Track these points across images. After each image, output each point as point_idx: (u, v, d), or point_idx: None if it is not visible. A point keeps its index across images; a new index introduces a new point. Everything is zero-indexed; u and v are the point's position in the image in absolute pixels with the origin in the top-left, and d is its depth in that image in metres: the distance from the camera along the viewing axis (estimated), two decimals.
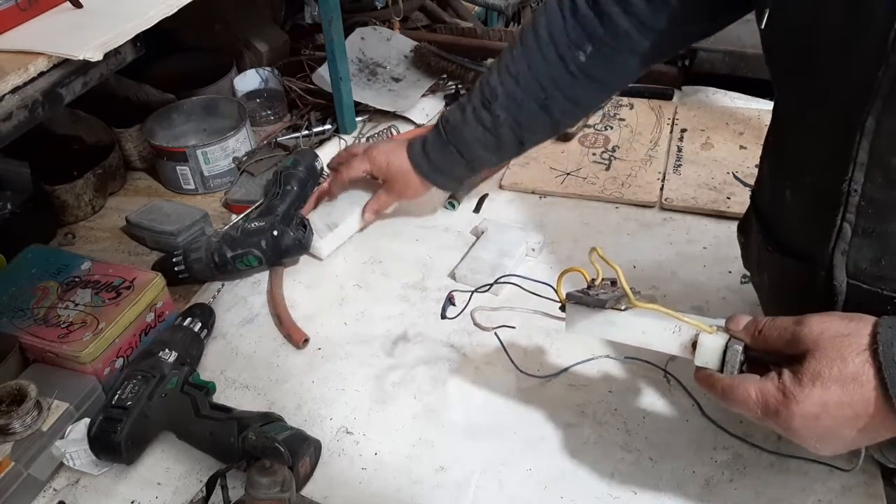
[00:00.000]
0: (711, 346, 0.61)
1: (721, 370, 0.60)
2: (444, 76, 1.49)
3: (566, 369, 0.90)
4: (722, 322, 0.62)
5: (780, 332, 0.57)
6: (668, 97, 1.42)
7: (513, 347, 0.91)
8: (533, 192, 1.21)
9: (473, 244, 1.09)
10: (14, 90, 0.74)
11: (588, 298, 0.66)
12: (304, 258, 1.10)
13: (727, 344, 0.60)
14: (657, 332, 0.64)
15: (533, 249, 1.07)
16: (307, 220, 1.09)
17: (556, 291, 0.70)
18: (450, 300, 0.79)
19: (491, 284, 0.81)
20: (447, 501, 0.77)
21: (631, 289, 0.63)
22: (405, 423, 0.86)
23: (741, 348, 0.60)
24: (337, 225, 1.11)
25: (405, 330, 0.98)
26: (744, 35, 1.37)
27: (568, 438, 0.82)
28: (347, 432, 0.85)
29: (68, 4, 0.87)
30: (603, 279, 0.68)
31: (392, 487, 0.79)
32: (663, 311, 0.62)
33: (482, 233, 1.10)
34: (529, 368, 0.89)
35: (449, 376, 0.91)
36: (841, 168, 0.60)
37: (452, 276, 1.05)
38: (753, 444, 0.79)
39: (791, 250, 0.71)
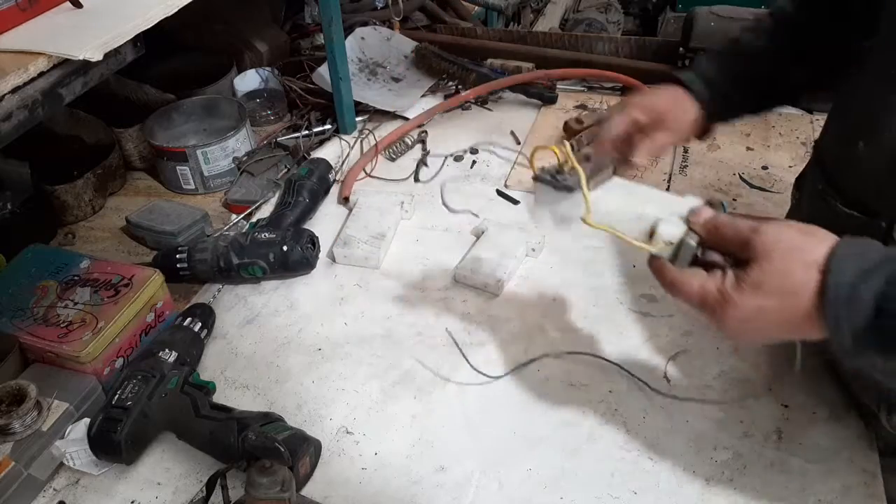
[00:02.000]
0: (667, 237, 0.63)
1: (674, 260, 0.63)
2: (444, 76, 1.49)
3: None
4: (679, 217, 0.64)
5: (736, 233, 0.59)
6: None
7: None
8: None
9: (473, 244, 1.09)
10: (14, 90, 0.74)
11: (554, 181, 0.67)
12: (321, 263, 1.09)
13: (683, 236, 0.62)
14: (621, 220, 0.65)
15: (533, 249, 1.07)
16: (316, 237, 1.09)
17: (529, 163, 0.70)
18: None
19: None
20: (447, 501, 0.77)
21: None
22: (405, 423, 0.86)
23: (695, 243, 0.61)
24: (384, 235, 1.11)
25: (405, 330, 0.98)
26: None
27: (568, 438, 0.82)
28: (347, 432, 0.85)
29: (68, 4, 0.87)
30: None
31: (392, 487, 0.79)
32: (611, 231, 0.65)
33: (482, 233, 1.10)
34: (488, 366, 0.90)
35: (449, 376, 0.91)
36: None
37: (453, 276, 1.05)
38: (753, 445, 0.79)
39: (856, 201, 0.71)
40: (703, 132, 0.82)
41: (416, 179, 1.26)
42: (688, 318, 0.94)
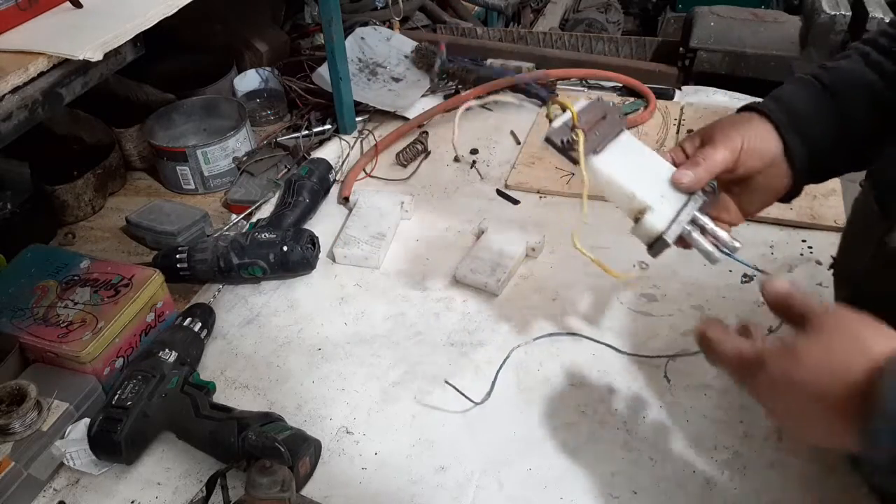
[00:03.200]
0: (648, 230, 0.68)
1: (650, 249, 0.68)
2: (444, 76, 1.49)
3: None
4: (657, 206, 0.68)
5: (803, 305, 0.55)
6: (669, 97, 1.42)
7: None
8: (538, 192, 1.21)
9: (473, 244, 1.09)
10: (14, 90, 0.74)
11: (563, 147, 0.68)
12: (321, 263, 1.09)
13: (662, 234, 0.67)
14: (614, 191, 0.70)
15: (533, 249, 1.07)
16: (316, 237, 1.09)
17: (548, 107, 0.70)
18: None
19: None
20: (447, 501, 0.77)
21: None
22: (405, 423, 0.86)
23: (671, 244, 0.67)
24: (384, 235, 1.11)
25: (405, 330, 0.98)
26: (744, 35, 1.38)
27: (568, 438, 0.82)
28: (347, 432, 0.85)
29: (68, 4, 0.87)
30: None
31: (392, 487, 0.79)
32: (595, 261, 0.71)
33: (482, 233, 1.10)
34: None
35: (449, 376, 0.91)
36: None
37: (453, 276, 1.05)
38: (753, 445, 0.79)
39: (882, 194, 0.66)
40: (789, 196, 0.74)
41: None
42: (688, 318, 0.94)
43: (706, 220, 0.71)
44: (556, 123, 0.68)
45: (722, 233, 0.71)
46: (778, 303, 0.58)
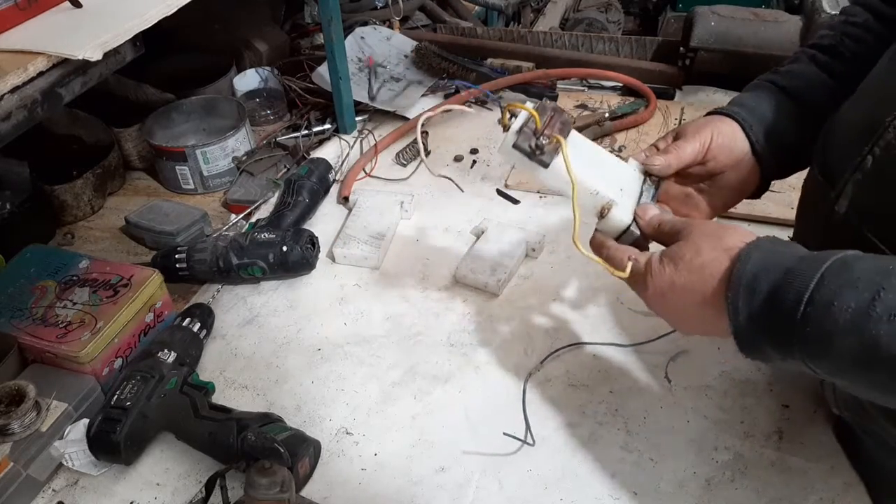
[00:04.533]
0: (615, 223, 0.70)
1: (616, 240, 0.71)
2: (444, 76, 1.49)
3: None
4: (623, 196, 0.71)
5: (672, 226, 0.66)
6: (670, 97, 1.42)
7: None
8: (538, 192, 1.20)
9: (473, 244, 1.08)
10: (13, 90, 0.74)
11: (531, 152, 0.69)
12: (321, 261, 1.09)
13: (629, 226, 0.70)
14: (578, 189, 0.69)
15: (533, 249, 1.07)
16: (316, 237, 1.09)
17: (501, 113, 0.70)
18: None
19: None
20: (447, 502, 0.77)
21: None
22: (405, 423, 0.86)
23: (639, 233, 0.70)
24: (384, 235, 1.10)
25: (405, 330, 0.98)
26: (744, 35, 1.37)
27: (568, 438, 0.82)
28: (347, 433, 0.85)
29: (68, 4, 0.87)
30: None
31: (392, 488, 0.79)
32: (596, 260, 0.70)
33: (482, 233, 1.10)
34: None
35: (449, 376, 0.91)
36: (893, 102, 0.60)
37: (453, 276, 1.05)
38: (754, 445, 0.79)
39: (825, 166, 0.70)
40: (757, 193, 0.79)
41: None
42: None
43: (657, 209, 0.74)
44: (514, 129, 0.69)
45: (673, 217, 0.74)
46: (652, 226, 0.69)
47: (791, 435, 0.80)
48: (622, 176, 0.74)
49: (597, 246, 0.70)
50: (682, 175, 0.77)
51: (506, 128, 0.70)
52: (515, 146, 0.69)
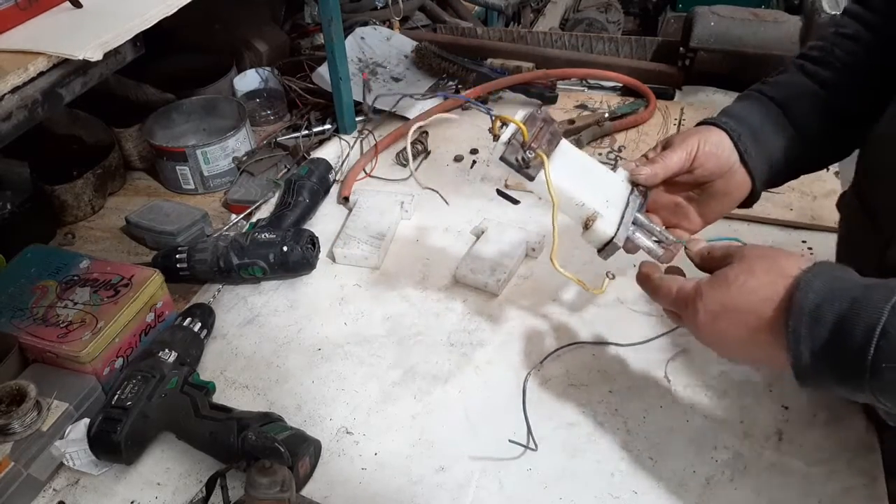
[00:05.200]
0: (599, 235, 0.72)
1: (601, 252, 0.74)
2: (445, 76, 1.49)
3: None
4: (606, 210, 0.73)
5: (724, 252, 0.65)
6: (670, 97, 1.42)
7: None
8: None
9: (473, 244, 1.08)
10: (14, 90, 0.74)
11: (519, 165, 0.71)
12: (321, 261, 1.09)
13: (612, 237, 0.72)
14: (563, 200, 0.73)
15: (533, 249, 1.07)
16: (316, 237, 1.09)
17: (492, 123, 0.71)
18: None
19: None
20: (447, 501, 0.77)
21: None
22: (405, 423, 0.86)
23: (621, 245, 0.72)
24: (384, 235, 1.11)
25: (405, 330, 0.98)
26: (744, 35, 1.37)
27: (568, 438, 0.82)
28: (347, 432, 0.85)
29: (68, 4, 0.87)
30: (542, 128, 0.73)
31: (392, 487, 0.79)
32: (574, 279, 0.75)
33: (482, 233, 1.10)
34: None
35: (449, 376, 0.91)
36: None
37: (453, 276, 1.05)
38: (754, 445, 0.79)
39: (869, 205, 0.70)
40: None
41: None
42: None
43: (644, 220, 0.76)
44: (503, 139, 0.70)
45: (661, 228, 0.76)
46: (702, 256, 0.68)
47: (791, 436, 0.80)
48: (609, 187, 0.75)
49: (643, 278, 0.70)
50: (671, 184, 0.77)
51: (496, 137, 0.71)
52: (502, 158, 0.71)
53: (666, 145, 0.76)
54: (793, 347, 0.54)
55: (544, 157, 0.70)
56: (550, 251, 0.71)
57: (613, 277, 0.78)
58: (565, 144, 0.74)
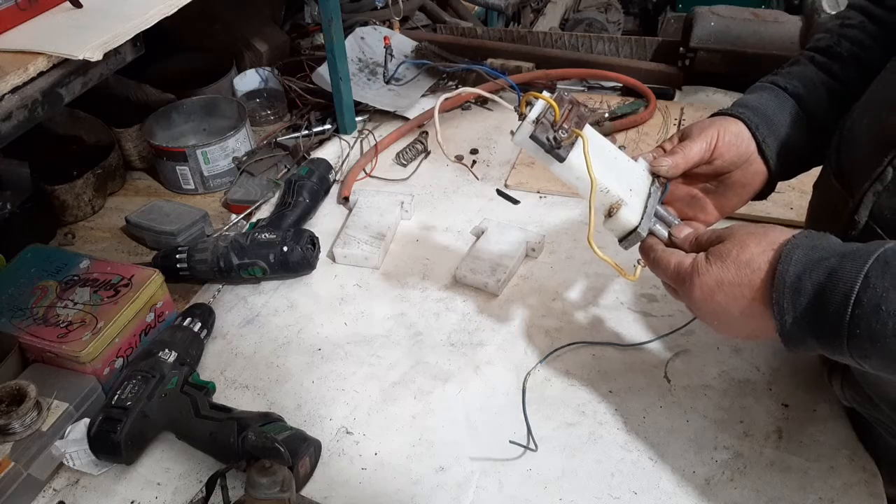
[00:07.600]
0: (623, 223, 0.70)
1: (621, 240, 0.72)
2: (445, 76, 1.49)
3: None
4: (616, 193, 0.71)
5: (713, 234, 0.66)
6: (670, 97, 1.42)
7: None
8: (538, 192, 1.20)
9: (473, 244, 1.08)
10: (14, 90, 0.74)
11: (549, 145, 0.68)
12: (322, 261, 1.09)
13: (637, 227, 0.70)
14: (587, 185, 0.69)
15: (533, 249, 1.07)
16: (316, 237, 1.09)
17: (520, 102, 0.70)
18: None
19: None
20: (447, 502, 0.77)
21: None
22: (405, 423, 0.86)
23: (645, 235, 0.71)
24: (384, 235, 1.11)
25: (405, 330, 0.98)
26: (744, 35, 1.37)
27: (568, 438, 0.82)
28: (347, 432, 0.85)
29: (68, 4, 0.87)
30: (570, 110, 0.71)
31: (392, 487, 0.79)
32: (610, 262, 0.70)
33: (482, 233, 1.10)
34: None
35: (449, 376, 0.91)
36: None
37: (453, 276, 1.05)
38: (754, 444, 0.79)
39: (840, 172, 0.71)
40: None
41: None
42: (688, 318, 0.94)
43: (664, 212, 0.74)
44: (531, 117, 0.68)
45: (679, 221, 0.75)
46: (689, 241, 0.69)
47: (790, 434, 0.80)
48: (632, 176, 0.73)
49: (646, 249, 0.71)
50: (689, 175, 0.77)
51: (521, 116, 0.68)
52: (533, 137, 0.67)
53: (683, 136, 0.76)
54: (778, 318, 0.57)
55: (583, 136, 0.67)
56: (587, 234, 0.68)
57: (645, 265, 0.76)
58: (590, 129, 0.72)
